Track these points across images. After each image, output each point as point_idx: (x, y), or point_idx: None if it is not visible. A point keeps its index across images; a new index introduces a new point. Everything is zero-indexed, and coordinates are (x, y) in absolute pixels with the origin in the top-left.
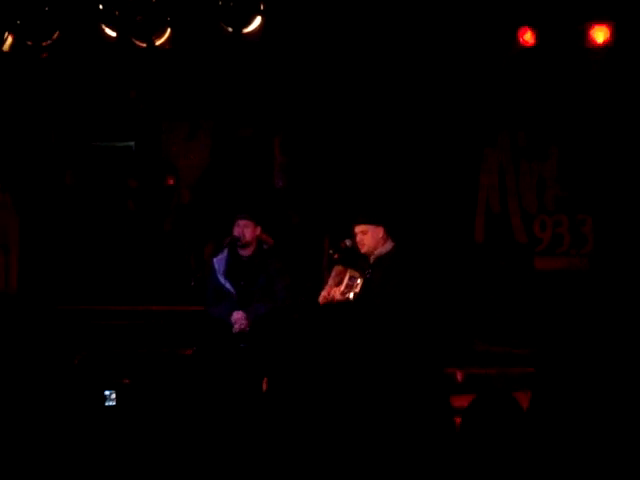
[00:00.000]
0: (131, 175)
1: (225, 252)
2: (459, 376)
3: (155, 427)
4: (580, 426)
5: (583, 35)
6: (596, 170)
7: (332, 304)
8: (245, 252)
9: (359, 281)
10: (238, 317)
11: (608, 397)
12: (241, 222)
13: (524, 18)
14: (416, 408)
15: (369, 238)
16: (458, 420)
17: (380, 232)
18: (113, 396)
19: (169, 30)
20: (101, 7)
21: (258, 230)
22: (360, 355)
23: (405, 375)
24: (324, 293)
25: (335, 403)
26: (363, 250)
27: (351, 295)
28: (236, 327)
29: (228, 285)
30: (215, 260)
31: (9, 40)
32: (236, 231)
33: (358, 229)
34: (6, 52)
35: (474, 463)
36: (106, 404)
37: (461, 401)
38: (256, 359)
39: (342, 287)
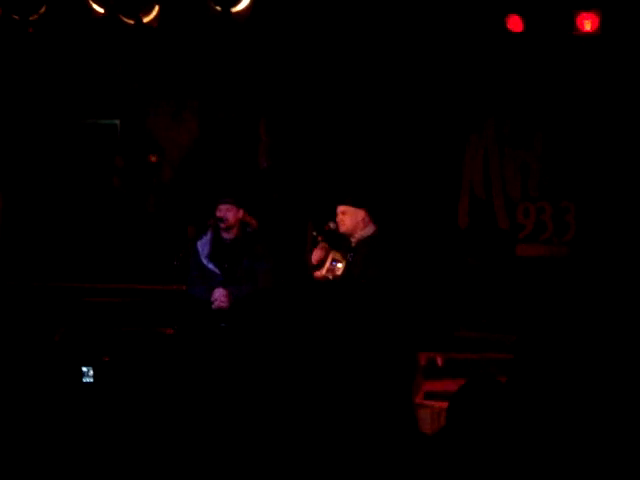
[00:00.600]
0: (117, 152)
1: (209, 235)
2: (439, 361)
3: (133, 405)
4: (557, 413)
5: (571, 23)
6: (580, 158)
7: (314, 281)
8: (228, 235)
9: (340, 265)
10: (219, 294)
11: (586, 385)
12: (223, 206)
13: (512, 5)
14: (381, 394)
15: (348, 219)
16: (441, 404)
17: (360, 215)
18: (91, 373)
19: (157, 8)
20: None
21: (240, 213)
22: (336, 336)
23: (376, 358)
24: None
25: (311, 384)
26: (341, 230)
27: (331, 278)
28: (215, 304)
29: (212, 267)
30: (199, 243)
31: None
32: (218, 214)
33: (339, 209)
34: None
35: (462, 449)
36: (84, 381)
37: (441, 385)
38: (236, 339)
39: (323, 270)
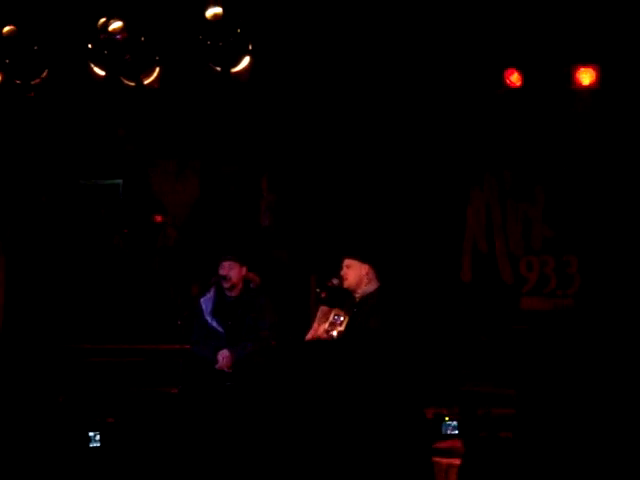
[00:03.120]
0: (119, 212)
1: (212, 292)
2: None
3: (140, 466)
4: (564, 465)
5: (569, 77)
6: (582, 211)
7: (316, 341)
8: (232, 293)
9: (342, 319)
10: (223, 356)
11: (592, 438)
12: (226, 264)
13: (511, 59)
14: (394, 448)
15: (352, 273)
16: (448, 461)
17: (364, 270)
18: (97, 437)
19: (158, 69)
20: (90, 46)
21: (244, 270)
22: (340, 393)
23: (384, 415)
24: (310, 333)
25: (317, 439)
26: (345, 284)
27: (334, 333)
28: (219, 365)
29: (215, 324)
30: (202, 300)
31: None
32: (221, 272)
33: (344, 262)
34: None
35: None
36: (90, 445)
37: (447, 442)
38: (241, 398)
39: (326, 325)
